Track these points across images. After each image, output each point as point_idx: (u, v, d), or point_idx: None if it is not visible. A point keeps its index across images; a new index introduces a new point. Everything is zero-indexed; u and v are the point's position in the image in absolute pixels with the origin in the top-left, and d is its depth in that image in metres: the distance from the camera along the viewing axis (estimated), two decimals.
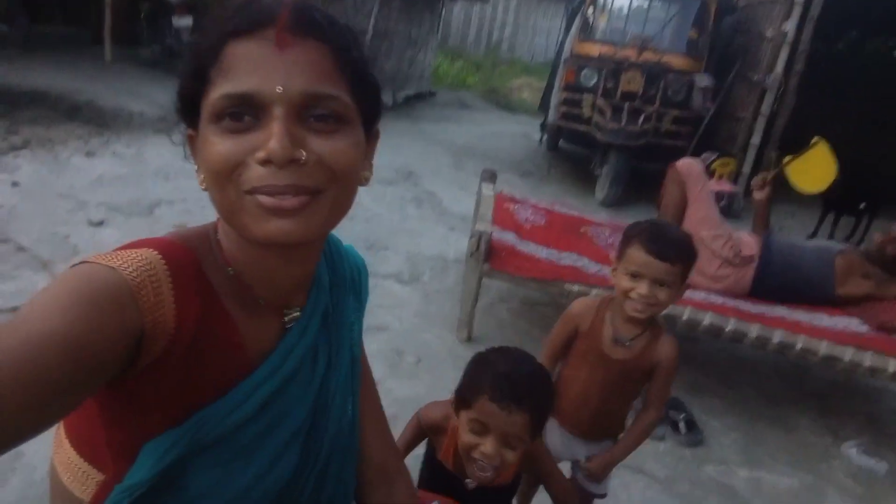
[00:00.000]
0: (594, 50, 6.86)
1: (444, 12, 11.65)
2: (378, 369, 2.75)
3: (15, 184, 4.00)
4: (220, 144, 0.63)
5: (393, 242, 4.26)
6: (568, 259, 3.19)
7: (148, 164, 4.88)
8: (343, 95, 0.66)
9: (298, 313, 0.80)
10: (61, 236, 3.38)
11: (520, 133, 9.91)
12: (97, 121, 5.72)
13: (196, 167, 0.69)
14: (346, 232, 4.25)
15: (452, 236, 4.67)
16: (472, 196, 5.62)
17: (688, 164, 3.19)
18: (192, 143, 0.70)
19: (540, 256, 3.15)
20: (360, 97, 0.69)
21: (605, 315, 1.62)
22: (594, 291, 2.86)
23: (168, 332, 0.63)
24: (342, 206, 0.69)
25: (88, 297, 0.57)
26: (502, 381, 1.24)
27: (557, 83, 7.19)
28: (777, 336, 2.77)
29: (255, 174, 0.62)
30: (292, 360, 0.77)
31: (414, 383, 2.71)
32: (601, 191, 6.55)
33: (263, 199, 0.62)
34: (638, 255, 1.50)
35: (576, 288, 2.84)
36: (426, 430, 1.50)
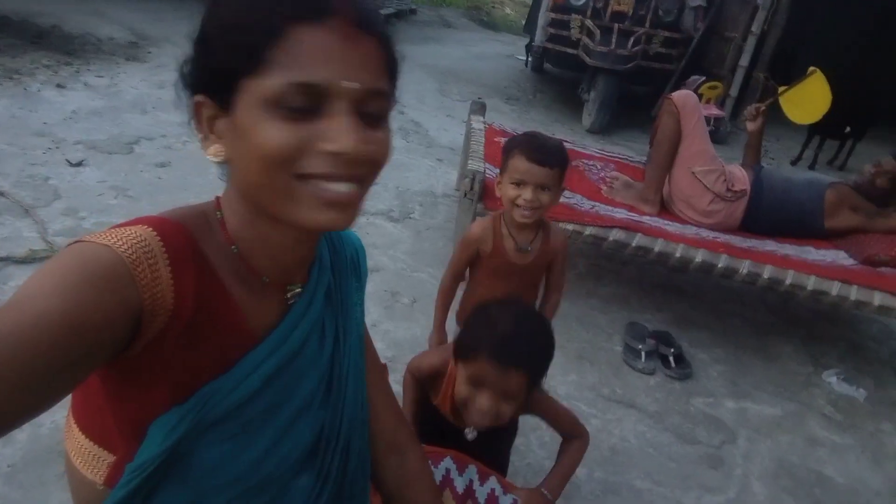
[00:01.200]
0: None
1: None
2: (374, 311, 2.79)
3: None
4: (278, 130, 0.62)
5: (381, 177, 4.17)
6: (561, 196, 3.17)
7: (123, 97, 4.69)
8: (390, 92, 0.70)
9: (300, 289, 0.81)
10: (41, 178, 3.28)
11: (504, 54, 9.65)
12: (65, 48, 5.44)
13: (203, 136, 0.68)
14: None
15: (440, 168, 4.61)
16: (458, 125, 5.53)
17: (684, 96, 3.12)
18: (200, 109, 0.68)
19: None
20: (393, 91, 0.72)
21: (501, 230, 1.79)
22: (588, 230, 2.86)
23: (167, 308, 0.64)
24: (367, 195, 0.73)
25: (85, 275, 0.58)
26: (503, 341, 1.24)
27: (544, 3, 6.93)
28: (767, 272, 2.81)
29: (319, 161, 0.63)
30: (297, 334, 0.78)
31: (410, 325, 2.74)
32: (589, 117, 6.45)
33: (322, 190, 0.64)
34: (520, 163, 1.67)
35: (570, 227, 2.84)
36: (423, 380, 1.53)
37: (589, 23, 6.20)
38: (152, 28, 6.52)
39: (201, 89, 0.67)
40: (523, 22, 9.94)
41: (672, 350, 2.86)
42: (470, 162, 3.01)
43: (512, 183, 1.68)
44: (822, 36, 9.57)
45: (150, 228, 0.65)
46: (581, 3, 6.31)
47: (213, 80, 0.66)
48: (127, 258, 0.61)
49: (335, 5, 0.63)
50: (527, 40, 8.55)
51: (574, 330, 2.94)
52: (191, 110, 0.69)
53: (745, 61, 6.71)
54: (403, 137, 5.10)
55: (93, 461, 0.73)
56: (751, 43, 6.63)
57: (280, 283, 0.78)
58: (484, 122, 3.66)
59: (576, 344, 2.85)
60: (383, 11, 9.62)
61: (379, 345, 2.53)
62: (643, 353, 2.84)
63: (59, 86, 4.61)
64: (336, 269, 0.89)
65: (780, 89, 3.34)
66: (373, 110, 0.66)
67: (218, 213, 0.74)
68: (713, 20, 6.99)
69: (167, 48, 6.07)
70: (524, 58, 8.77)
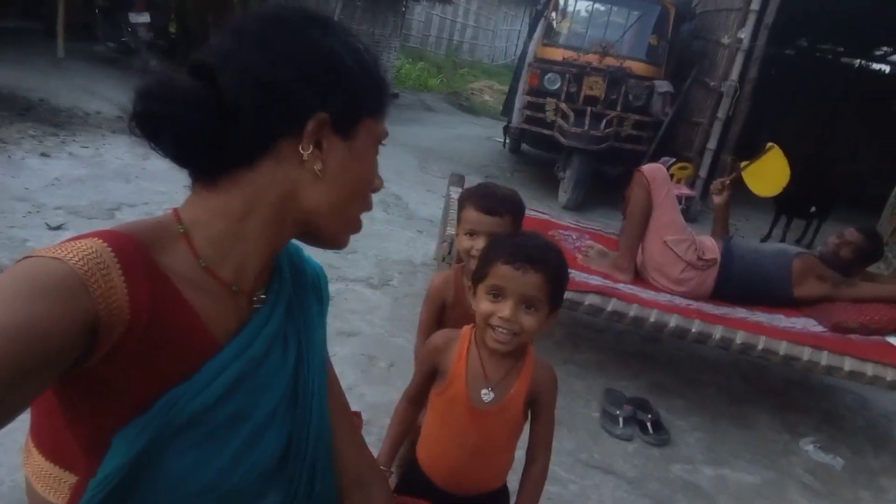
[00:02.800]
0: (557, 54, 6.96)
1: (406, 13, 11.63)
2: (350, 375, 2.76)
3: None
4: (374, 169, 0.83)
5: (361, 246, 4.25)
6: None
7: (107, 166, 4.76)
8: None
9: (264, 296, 0.83)
10: (19, 240, 3.27)
11: (483, 136, 9.97)
12: (52, 120, 5.54)
13: (307, 148, 0.74)
14: None
15: (420, 239, 4.68)
16: (438, 199, 5.64)
17: (653, 169, 3.26)
18: (323, 128, 0.74)
19: None
20: None
21: (462, 281, 1.72)
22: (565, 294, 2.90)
23: (124, 318, 0.64)
24: None
25: (37, 287, 0.58)
26: (516, 246, 1.27)
27: (521, 87, 7.27)
28: (740, 337, 2.86)
29: (369, 199, 0.84)
30: (260, 341, 0.79)
31: (387, 389, 2.71)
32: (564, 194, 6.64)
33: (359, 220, 0.84)
34: (472, 214, 1.65)
35: None
36: (435, 352, 1.41)
37: (563, 105, 6.49)
38: None
39: (323, 108, 0.73)
40: (501, 107, 10.35)
41: (650, 416, 2.85)
42: (448, 228, 3.07)
43: (465, 233, 1.66)
44: (785, 122, 10.09)
45: (102, 240, 0.66)
46: (556, 87, 6.64)
47: (344, 107, 0.75)
48: (79, 269, 0.61)
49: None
50: (505, 122, 8.88)
51: None
52: (318, 125, 0.74)
53: (712, 144, 7.02)
54: (384, 209, 5.19)
55: (54, 483, 0.72)
56: (717, 128, 6.96)
57: (246, 291, 0.80)
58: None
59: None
60: None
61: (354, 408, 2.50)
62: (621, 419, 2.83)
63: (43, 154, 4.67)
64: (296, 284, 0.90)
65: (742, 164, 3.50)
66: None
67: (179, 227, 0.74)
68: (680, 106, 7.37)
69: None
70: (502, 139, 9.08)
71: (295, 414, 0.84)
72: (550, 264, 1.26)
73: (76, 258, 0.62)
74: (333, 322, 3.19)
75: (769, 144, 3.49)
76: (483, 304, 1.28)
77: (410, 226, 4.98)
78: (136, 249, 0.68)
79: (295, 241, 0.93)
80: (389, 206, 5.34)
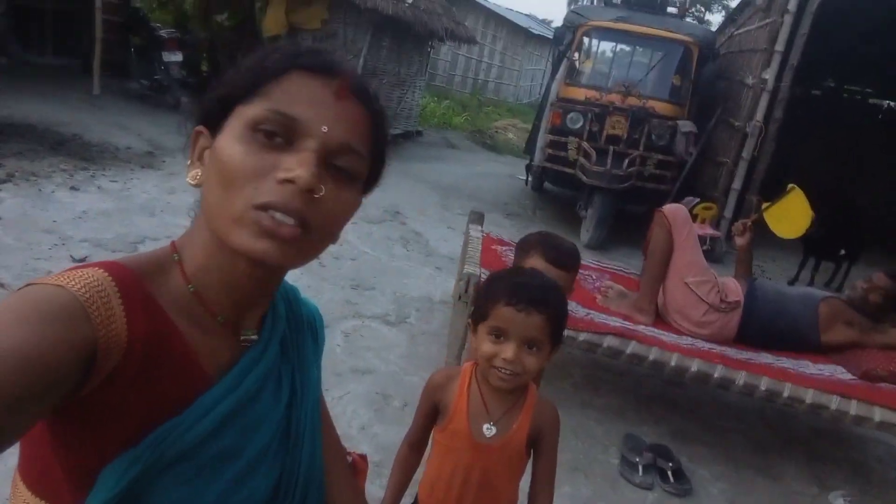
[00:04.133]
0: (580, 94, 7.00)
1: (431, 52, 11.84)
2: (363, 414, 2.73)
3: None
4: (247, 155, 0.67)
5: (379, 283, 4.25)
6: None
7: (134, 200, 4.85)
8: (366, 158, 0.74)
9: (255, 336, 0.82)
10: (43, 272, 3.32)
11: (505, 174, 10.01)
12: (83, 154, 5.69)
13: (189, 161, 0.74)
14: (333, 271, 4.25)
15: (439, 277, 4.67)
16: (458, 236, 5.64)
17: (674, 209, 3.22)
18: (197, 138, 0.74)
19: None
20: (373, 165, 0.77)
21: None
22: (582, 336, 2.86)
23: (121, 346, 0.64)
24: (318, 250, 0.74)
25: (39, 313, 0.58)
26: (517, 286, 1.26)
27: (543, 126, 7.30)
28: (764, 383, 2.77)
29: (271, 190, 0.66)
30: (252, 379, 0.78)
31: (400, 429, 2.64)
32: (586, 232, 6.60)
33: (264, 219, 0.66)
34: (539, 263, 1.61)
35: (565, 332, 2.83)
36: (435, 389, 1.40)
37: (585, 144, 6.50)
38: (169, 139, 6.83)
39: (203, 121, 0.74)
40: (524, 145, 10.41)
41: (671, 464, 2.76)
42: (466, 266, 3.05)
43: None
44: (812, 163, 9.97)
45: (103, 270, 0.66)
46: (578, 126, 6.65)
47: (214, 109, 0.72)
48: (80, 296, 0.62)
49: (338, 70, 0.71)
50: (527, 160, 8.92)
51: (568, 440, 2.85)
52: (190, 140, 0.75)
53: (737, 184, 6.95)
54: (404, 246, 5.20)
55: None
56: (742, 168, 6.90)
57: (235, 325, 0.79)
58: (481, 231, 3.75)
59: (570, 455, 2.75)
60: (392, 132, 10.10)
61: (367, 448, 2.47)
62: (641, 467, 2.74)
63: (73, 188, 4.78)
64: (291, 322, 0.90)
65: (764, 205, 3.45)
66: (344, 165, 0.71)
67: (174, 255, 0.76)
68: (705, 146, 7.32)
69: (181, 158, 6.31)
70: (524, 177, 9.10)
71: (286, 454, 0.83)
72: (552, 305, 1.26)
73: (78, 286, 0.62)
74: (348, 359, 3.17)
75: (790, 186, 3.44)
76: (485, 346, 1.28)
77: (430, 262, 4.97)
78: (134, 280, 0.69)
79: (292, 284, 0.95)
80: (409, 243, 5.35)
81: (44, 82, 7.67)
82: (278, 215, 0.66)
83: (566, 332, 2.82)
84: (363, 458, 1.16)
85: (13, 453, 0.65)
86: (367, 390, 2.90)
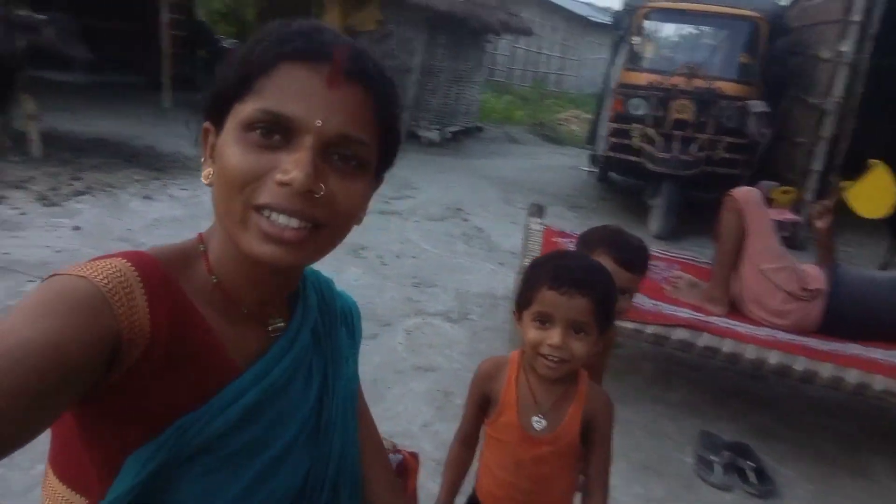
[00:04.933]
0: (642, 79, 6.76)
1: (489, 48, 11.76)
2: (426, 411, 2.71)
3: (76, 228, 4.15)
4: (244, 156, 0.65)
5: (441, 279, 4.22)
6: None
7: (203, 206, 5.00)
8: (371, 143, 0.69)
9: (283, 324, 0.80)
10: None
11: (568, 165, 9.83)
12: (155, 165, 5.94)
13: (203, 158, 0.73)
14: (395, 270, 4.25)
15: (501, 272, 4.60)
16: (520, 230, 5.54)
17: (745, 193, 3.04)
18: (206, 135, 0.72)
19: None
20: (384, 147, 0.73)
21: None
22: (650, 329, 2.73)
23: (144, 336, 0.64)
24: (335, 241, 0.72)
25: (63, 304, 0.59)
26: (560, 269, 1.21)
27: (605, 114, 7.10)
28: (852, 376, 2.57)
29: (270, 191, 0.64)
30: (280, 369, 0.76)
31: None
32: (655, 222, 6.38)
33: (266, 224, 0.64)
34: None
35: (630, 325, 2.72)
36: (484, 379, 1.37)
37: (650, 131, 6.28)
38: None
39: (208, 116, 0.72)
40: (586, 135, 10.19)
41: (751, 463, 2.60)
42: (526, 260, 2.98)
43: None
44: None
45: (126, 261, 0.66)
46: (641, 112, 6.44)
47: (214, 106, 0.70)
48: (103, 287, 0.62)
49: (328, 52, 0.66)
50: (590, 151, 8.72)
51: (639, 438, 2.73)
52: (197, 135, 0.74)
53: (817, 165, 6.54)
54: (465, 242, 5.16)
55: None
56: (821, 147, 6.50)
57: (261, 315, 0.78)
58: (542, 224, 3.67)
59: (641, 454, 2.63)
60: (451, 129, 10.08)
61: (428, 445, 2.44)
62: (718, 467, 2.59)
63: (146, 197, 4.98)
64: (323, 312, 0.88)
65: (844, 185, 3.22)
66: (347, 154, 0.67)
67: (200, 246, 0.75)
68: (779, 125, 6.94)
69: None
70: (588, 168, 8.91)
71: (315, 447, 0.82)
72: (597, 287, 1.21)
73: (101, 276, 0.63)
74: (410, 357, 3.15)
75: (873, 161, 3.19)
76: (531, 332, 1.23)
77: (492, 258, 4.91)
78: (157, 269, 0.69)
79: (327, 276, 0.94)
80: (471, 239, 5.30)
81: (115, 99, 8.05)
82: (282, 218, 0.64)
83: (632, 325, 2.72)
84: (414, 455, 1.13)
85: (39, 442, 0.64)
86: (428, 388, 2.88)
